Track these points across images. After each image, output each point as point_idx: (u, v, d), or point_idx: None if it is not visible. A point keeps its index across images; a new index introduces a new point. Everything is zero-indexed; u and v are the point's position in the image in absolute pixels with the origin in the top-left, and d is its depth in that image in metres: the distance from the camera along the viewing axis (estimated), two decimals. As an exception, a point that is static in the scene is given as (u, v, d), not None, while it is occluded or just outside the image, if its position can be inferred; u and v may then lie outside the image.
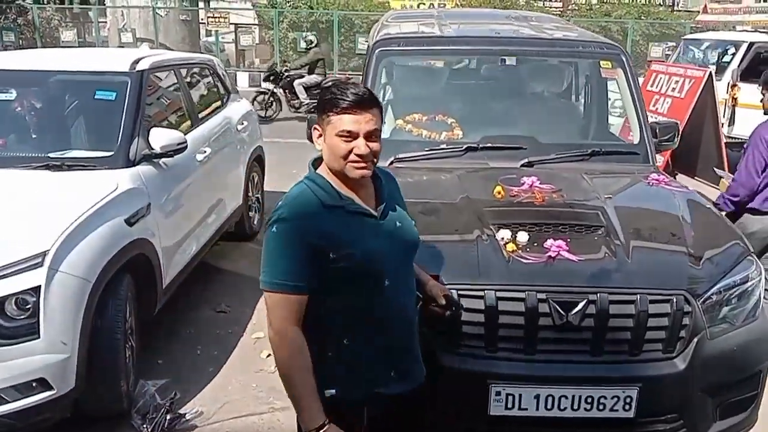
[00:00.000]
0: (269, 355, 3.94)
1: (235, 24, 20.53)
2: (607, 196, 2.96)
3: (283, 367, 1.79)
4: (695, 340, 2.41)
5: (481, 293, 2.35)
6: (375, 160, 1.83)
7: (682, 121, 5.44)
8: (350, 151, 1.77)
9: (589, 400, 2.36)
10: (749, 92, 8.17)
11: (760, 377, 2.62)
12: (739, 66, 9.29)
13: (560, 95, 4.53)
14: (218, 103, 5.59)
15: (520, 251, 2.48)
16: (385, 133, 3.70)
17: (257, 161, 6.03)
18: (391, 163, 3.35)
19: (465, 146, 3.40)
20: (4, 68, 4.03)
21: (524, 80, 4.11)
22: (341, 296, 1.81)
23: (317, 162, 1.90)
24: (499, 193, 2.89)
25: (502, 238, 2.53)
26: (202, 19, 19.60)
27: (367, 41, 16.12)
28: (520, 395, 2.35)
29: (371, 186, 1.90)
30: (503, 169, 3.23)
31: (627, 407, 2.36)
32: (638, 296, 2.36)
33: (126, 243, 3.25)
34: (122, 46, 14.80)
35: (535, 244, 2.51)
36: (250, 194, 5.80)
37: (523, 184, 2.99)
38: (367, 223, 1.84)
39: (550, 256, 2.44)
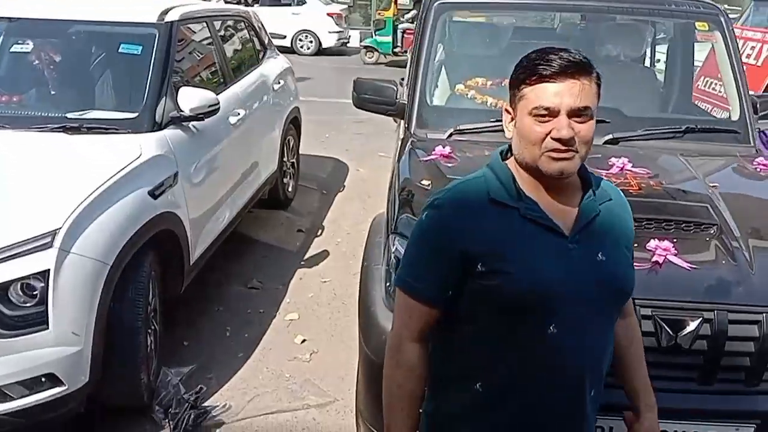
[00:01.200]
0: (304, 341, 3.61)
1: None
2: (713, 184, 2.48)
3: (386, 383, 1.45)
4: (826, 368, 1.96)
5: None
6: (583, 151, 1.33)
7: (757, 91, 4.88)
8: (547, 135, 1.31)
9: (696, 437, 1.94)
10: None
11: None
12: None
13: (639, 60, 3.98)
14: (254, 60, 5.16)
15: (617, 253, 2.03)
16: (442, 101, 3.29)
17: (293, 123, 5.63)
18: (450, 134, 2.91)
19: (537, 117, 2.92)
20: (19, 16, 3.64)
21: (602, 42, 3.58)
22: (482, 325, 1.37)
23: (507, 154, 1.44)
24: (585, 177, 2.42)
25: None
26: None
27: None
28: (611, 428, 1.94)
29: (576, 196, 1.40)
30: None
31: (741, 447, 1.94)
32: (764, 315, 1.91)
33: (149, 218, 2.89)
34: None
35: (636, 245, 2.05)
36: (285, 159, 5.41)
37: (612, 166, 2.52)
38: (548, 240, 1.34)
39: (656, 262, 1.99)
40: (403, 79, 4.10)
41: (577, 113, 1.31)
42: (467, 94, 3.20)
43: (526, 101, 1.33)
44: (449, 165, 2.63)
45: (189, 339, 3.55)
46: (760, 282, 1.97)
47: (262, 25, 5.72)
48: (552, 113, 1.30)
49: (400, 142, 3.08)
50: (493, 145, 2.82)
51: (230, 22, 4.96)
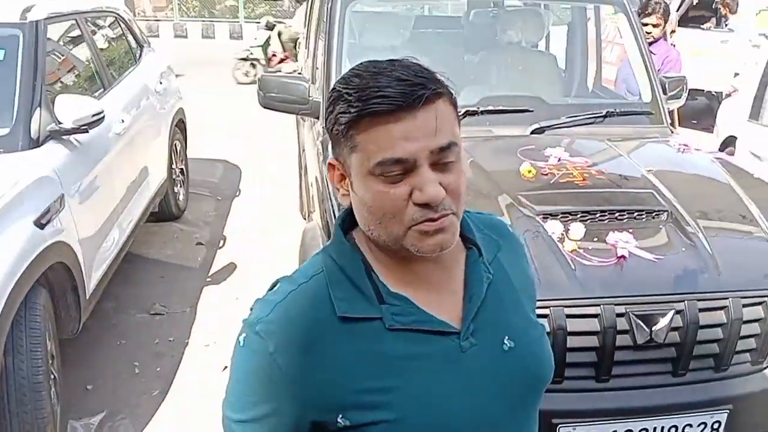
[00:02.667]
0: (226, 368, 3.29)
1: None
2: (648, 168, 2.48)
3: None
4: (788, 346, 1.99)
5: (545, 311, 1.81)
6: (458, 210, 0.90)
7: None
8: (408, 200, 0.87)
9: (673, 430, 1.91)
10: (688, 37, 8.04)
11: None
12: (677, 11, 9.10)
13: (540, 47, 3.99)
14: (131, 60, 4.68)
15: (581, 250, 1.95)
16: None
17: (179, 126, 5.19)
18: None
19: (463, 110, 2.80)
20: None
21: (513, 29, 3.53)
22: None
23: (347, 221, 0.97)
24: (529, 171, 2.33)
25: (554, 233, 1.99)
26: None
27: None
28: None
29: (456, 264, 0.98)
30: (514, 138, 2.68)
31: (715, 434, 1.93)
32: (731, 300, 1.90)
33: (38, 252, 2.47)
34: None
35: (596, 239, 1.99)
36: (174, 166, 4.98)
37: (549, 157, 2.45)
38: (434, 349, 0.91)
39: (621, 256, 1.92)
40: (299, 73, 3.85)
41: (440, 158, 0.87)
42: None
43: (362, 155, 0.88)
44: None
45: (93, 382, 3.12)
46: (723, 267, 1.96)
47: (133, 19, 5.23)
48: (407, 166, 0.86)
49: (320, 144, 2.86)
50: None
51: (102, 20, 4.45)
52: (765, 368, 1.99)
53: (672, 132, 3.00)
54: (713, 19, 8.90)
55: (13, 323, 2.26)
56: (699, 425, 1.92)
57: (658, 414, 1.89)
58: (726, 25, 8.73)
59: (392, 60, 0.90)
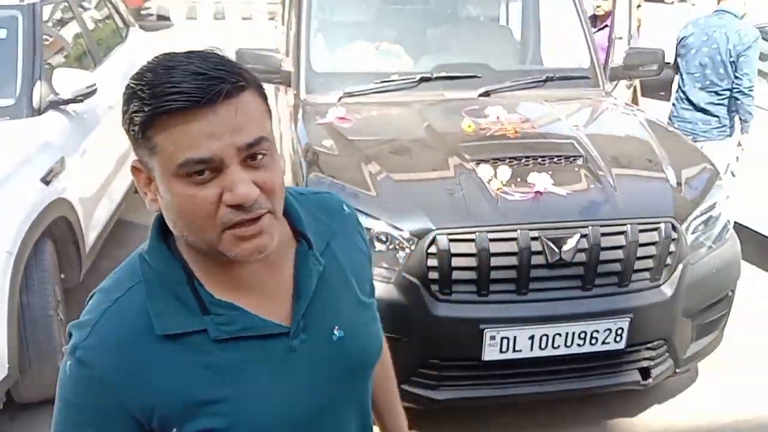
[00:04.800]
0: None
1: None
2: (575, 123, 2.86)
3: None
4: (680, 266, 2.39)
5: (472, 236, 2.20)
6: (276, 206, 0.85)
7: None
8: (218, 203, 0.81)
9: (582, 335, 2.31)
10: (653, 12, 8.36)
11: (730, 297, 2.67)
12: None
13: (495, 18, 4.34)
14: (118, 38, 5.00)
15: (505, 188, 2.33)
16: (327, 67, 3.44)
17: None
18: (341, 98, 3.08)
19: (419, 76, 3.17)
20: None
21: (458, 3, 3.88)
22: None
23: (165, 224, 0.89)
24: (470, 126, 2.71)
25: (484, 176, 2.37)
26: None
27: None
28: (515, 337, 2.26)
29: (285, 258, 0.93)
30: (463, 101, 3.04)
31: (618, 339, 2.33)
32: (628, 226, 2.29)
33: (45, 205, 2.82)
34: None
35: (519, 180, 2.38)
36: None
37: (488, 115, 2.82)
38: (263, 353, 0.89)
39: (537, 192, 2.31)
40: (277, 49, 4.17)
41: (250, 154, 0.81)
42: (350, 59, 3.38)
43: (164, 157, 0.80)
44: (346, 126, 2.81)
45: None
46: (622, 200, 2.36)
47: (119, 0, 5.52)
48: (214, 166, 0.79)
49: (291, 109, 3.21)
50: (383, 106, 3.06)
51: (90, 1, 4.76)
52: (661, 284, 2.39)
53: (606, 94, 3.36)
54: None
55: (25, 266, 2.62)
56: (605, 331, 2.31)
57: (569, 321, 2.28)
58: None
59: (190, 52, 0.82)
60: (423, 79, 3.15)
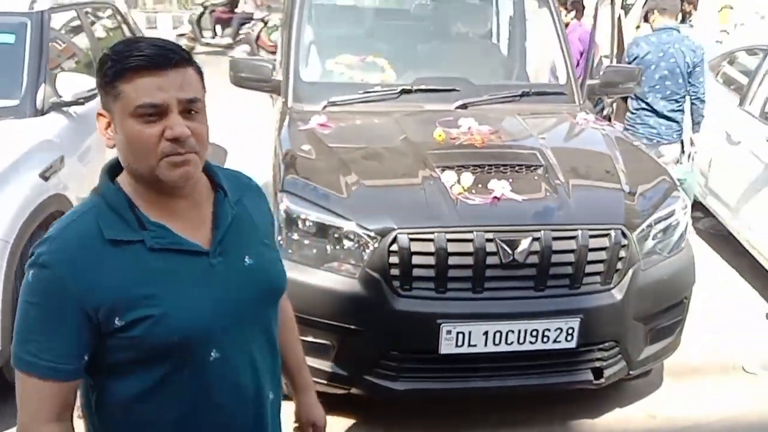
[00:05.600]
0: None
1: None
2: (542, 136, 3.03)
3: None
4: (630, 271, 2.53)
5: (431, 236, 2.36)
6: (201, 150, 1.15)
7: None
8: (160, 137, 1.11)
9: (534, 333, 2.45)
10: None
11: (684, 304, 2.81)
12: (643, 7, 9.60)
13: (484, 35, 4.52)
14: (125, 47, 5.22)
15: (466, 193, 2.49)
16: (315, 77, 3.63)
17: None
18: (325, 107, 3.26)
19: (399, 88, 3.35)
20: None
21: (450, 20, 4.07)
22: (139, 380, 1.17)
23: (115, 169, 1.21)
24: (440, 136, 2.88)
25: (448, 181, 2.54)
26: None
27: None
28: (470, 332, 2.41)
29: (208, 202, 1.24)
30: (439, 112, 3.21)
31: (569, 338, 2.47)
32: (579, 232, 2.44)
33: (43, 199, 3.02)
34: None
35: (480, 186, 2.54)
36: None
37: (461, 126, 2.99)
38: (189, 265, 1.17)
39: (495, 197, 2.47)
40: (275, 60, 4.38)
41: (187, 107, 1.13)
42: (337, 70, 3.56)
43: (125, 101, 1.10)
44: (326, 132, 2.99)
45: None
46: (575, 207, 2.51)
47: (128, 11, 5.77)
48: (161, 110, 1.10)
49: (279, 115, 3.39)
50: (364, 115, 3.24)
51: (99, 10, 5.00)
52: (612, 288, 2.53)
53: (581, 110, 3.52)
54: (678, 16, 9.41)
55: (21, 254, 2.80)
56: (556, 329, 2.46)
57: (522, 319, 2.43)
58: (689, 21, 9.23)
59: (151, 37, 1.20)
60: (404, 91, 3.33)
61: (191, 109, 1.13)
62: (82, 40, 4.45)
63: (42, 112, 3.39)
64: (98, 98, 1.17)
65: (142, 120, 1.10)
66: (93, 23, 4.80)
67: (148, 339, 1.13)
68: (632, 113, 4.52)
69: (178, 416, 1.20)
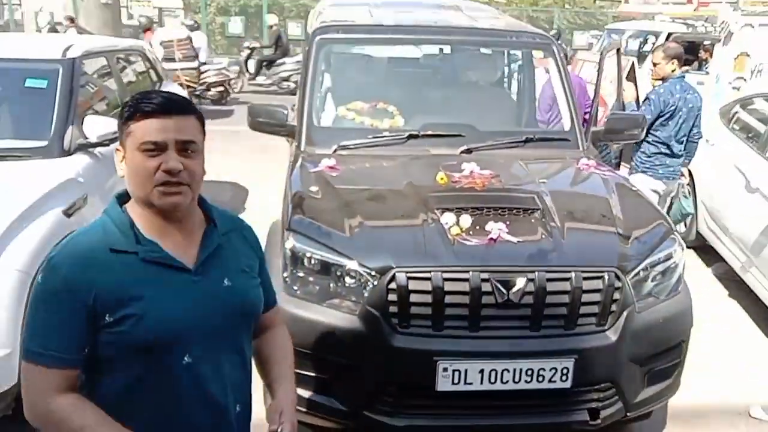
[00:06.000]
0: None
1: (160, 8, 19.90)
2: (542, 180, 3.12)
3: None
4: (625, 313, 2.58)
5: (428, 275, 2.45)
6: (192, 184, 1.41)
7: (606, 107, 5.73)
8: (157, 168, 1.37)
9: (529, 372, 2.50)
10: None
11: (682, 347, 2.84)
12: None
13: (494, 83, 4.68)
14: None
15: (463, 234, 2.59)
16: (327, 122, 3.80)
17: (193, 150, 5.95)
18: (335, 150, 3.41)
19: (407, 134, 3.49)
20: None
21: (460, 69, 4.24)
22: (121, 374, 1.39)
23: (123, 197, 1.49)
24: (442, 179, 2.99)
25: (446, 222, 2.64)
26: (123, 3, 18.94)
27: (299, 26, 16.09)
28: (466, 370, 2.47)
29: (199, 230, 1.50)
30: (444, 156, 3.33)
31: (564, 378, 2.52)
32: (573, 273, 2.51)
33: (64, 235, 3.17)
34: (39, 30, 14.16)
35: (478, 227, 2.63)
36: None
37: (463, 170, 3.10)
38: (173, 277, 1.41)
39: (491, 238, 2.56)
40: (294, 105, 4.57)
41: (183, 147, 1.38)
42: (348, 116, 3.72)
43: (134, 137, 1.38)
44: (334, 174, 3.13)
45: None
46: (569, 249, 2.59)
47: (156, 57, 6.06)
48: (160, 147, 1.36)
49: (292, 158, 3.54)
50: (371, 159, 3.37)
51: (128, 56, 5.27)
52: (606, 329, 2.58)
53: (584, 155, 3.61)
54: (695, 63, 9.55)
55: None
56: (551, 369, 2.51)
57: (517, 358, 2.49)
58: (706, 68, 9.35)
59: (169, 92, 1.50)
60: (411, 136, 3.47)
61: (187, 148, 1.40)
62: (111, 84, 4.69)
63: (69, 153, 3.59)
64: None
65: (145, 154, 1.37)
66: (123, 69, 5.07)
67: (130, 335, 1.35)
68: (649, 156, 4.67)
69: (151, 416, 1.41)
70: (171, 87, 5.90)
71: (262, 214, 6.11)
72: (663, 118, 4.56)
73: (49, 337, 1.35)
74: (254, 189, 7.14)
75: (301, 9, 19.43)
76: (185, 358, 1.40)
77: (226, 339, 1.48)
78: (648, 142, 4.64)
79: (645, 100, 4.72)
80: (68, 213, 3.27)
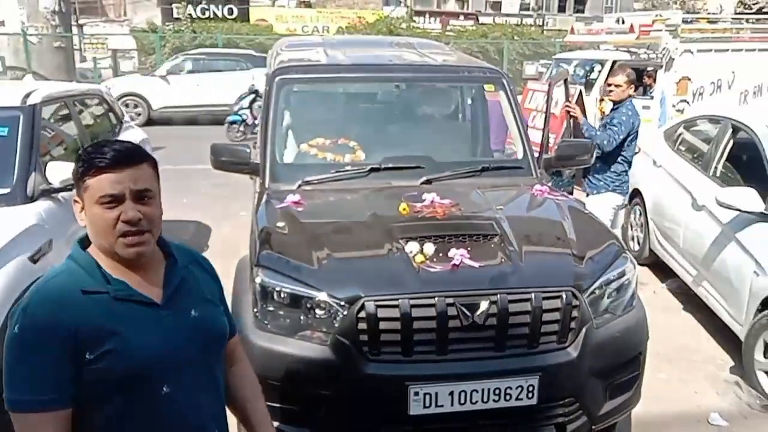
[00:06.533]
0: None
1: (114, 50, 19.87)
2: (499, 207, 3.27)
3: None
4: (584, 330, 2.71)
5: (396, 302, 2.54)
6: (153, 229, 1.49)
7: (558, 134, 5.97)
8: (117, 220, 1.43)
9: (497, 391, 2.60)
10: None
11: (640, 359, 2.98)
12: (605, 82, 10.17)
13: (449, 116, 4.85)
14: (111, 133, 5.50)
15: (428, 262, 2.70)
16: (290, 158, 3.90)
17: (154, 190, 5.96)
18: (299, 186, 3.50)
19: (368, 167, 3.60)
20: None
21: (416, 103, 4.40)
22: (102, 410, 1.44)
23: (86, 241, 1.53)
24: (404, 209, 3.11)
25: (411, 251, 2.74)
26: (76, 46, 18.86)
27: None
28: (436, 393, 2.56)
29: (161, 267, 1.57)
30: (405, 187, 3.45)
31: (530, 395, 2.62)
32: (533, 294, 2.64)
33: (31, 281, 3.17)
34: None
35: (441, 254, 2.74)
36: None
37: (424, 200, 3.22)
38: (144, 313, 1.48)
39: (454, 264, 2.68)
40: (255, 143, 4.65)
41: (140, 196, 1.45)
42: (311, 152, 3.83)
43: (91, 192, 1.43)
44: (299, 209, 3.21)
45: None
46: (528, 272, 2.72)
47: (114, 99, 6.10)
48: (117, 199, 1.42)
49: (257, 196, 3.62)
50: (335, 192, 3.47)
51: (87, 100, 5.30)
52: (567, 346, 2.70)
53: (537, 182, 3.77)
54: (640, 89, 9.99)
55: (10, 334, 2.94)
56: (517, 387, 2.61)
57: (484, 378, 2.59)
58: (650, 93, 9.78)
59: (116, 140, 1.60)
60: (372, 170, 3.59)
61: (144, 196, 1.47)
62: (71, 128, 4.71)
63: (32, 199, 3.59)
64: None
65: (103, 206, 1.43)
66: (81, 112, 5.09)
67: (110, 370, 1.40)
68: (618, 175, 5.06)
69: None
70: (130, 132, 5.92)
71: (226, 258, 6.17)
72: (629, 138, 4.95)
73: (38, 382, 1.38)
74: (217, 226, 7.16)
75: (257, 48, 19.62)
76: (164, 389, 1.47)
77: (201, 366, 1.55)
78: (618, 162, 5.01)
79: (610, 122, 5.03)
80: (34, 259, 3.28)
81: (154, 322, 1.48)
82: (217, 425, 1.61)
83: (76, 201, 1.49)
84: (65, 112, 4.67)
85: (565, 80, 4.98)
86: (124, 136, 5.65)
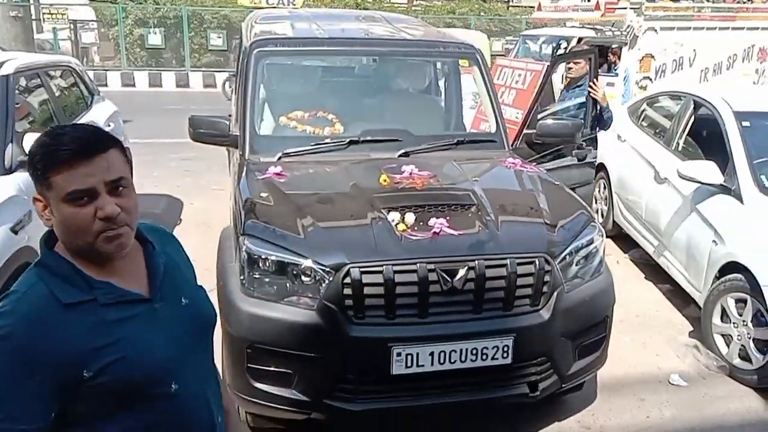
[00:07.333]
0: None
1: (74, 20, 19.33)
2: (475, 178, 3.40)
3: None
4: (555, 293, 2.87)
5: (380, 268, 2.66)
6: (132, 222, 1.32)
7: (525, 110, 6.12)
8: (94, 217, 1.25)
9: (474, 351, 2.75)
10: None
11: (607, 322, 3.17)
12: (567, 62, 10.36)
13: (424, 90, 4.95)
14: (84, 105, 5.46)
15: (409, 230, 2.82)
16: (269, 130, 3.95)
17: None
18: (279, 158, 3.57)
19: (348, 140, 3.69)
20: None
21: (392, 77, 4.47)
22: (116, 420, 1.29)
23: (51, 239, 1.32)
24: (385, 180, 3.21)
25: (393, 220, 2.86)
26: (34, 16, 18.29)
27: (220, 37, 15.97)
28: (417, 354, 2.69)
29: (139, 255, 1.40)
30: (384, 160, 3.56)
31: (505, 355, 2.78)
32: (508, 260, 2.78)
33: (13, 252, 3.21)
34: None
35: (421, 223, 2.87)
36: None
37: (403, 171, 3.33)
38: (137, 311, 1.33)
39: (435, 232, 2.80)
40: (230, 115, 4.67)
41: (114, 186, 1.27)
42: (290, 125, 3.89)
43: (57, 189, 1.23)
44: (281, 180, 3.29)
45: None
46: (504, 239, 2.86)
47: (84, 70, 6.03)
48: (90, 194, 1.24)
49: (237, 167, 3.68)
50: (316, 164, 3.56)
51: (59, 72, 5.24)
52: (540, 309, 2.86)
53: (509, 155, 3.92)
54: (605, 66, 10.21)
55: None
56: (493, 348, 2.76)
57: (462, 339, 2.73)
58: (615, 70, 10.02)
59: (74, 124, 1.40)
60: (351, 142, 3.68)
61: (119, 186, 1.28)
62: (45, 99, 4.67)
63: (10, 170, 3.59)
64: None
65: (74, 204, 1.23)
66: (54, 82, 5.03)
67: (117, 381, 1.25)
68: None
69: None
70: (101, 104, 5.87)
71: (200, 231, 6.20)
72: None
73: (12, 412, 1.20)
74: (189, 200, 7.16)
75: (222, 21, 19.32)
76: (173, 386, 1.34)
77: (199, 353, 1.46)
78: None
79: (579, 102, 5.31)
80: (15, 230, 3.29)
81: (151, 319, 1.34)
82: (220, 409, 1.51)
83: (37, 199, 1.28)
84: (38, 82, 4.62)
85: (590, 58, 5.12)
86: (96, 108, 5.62)
